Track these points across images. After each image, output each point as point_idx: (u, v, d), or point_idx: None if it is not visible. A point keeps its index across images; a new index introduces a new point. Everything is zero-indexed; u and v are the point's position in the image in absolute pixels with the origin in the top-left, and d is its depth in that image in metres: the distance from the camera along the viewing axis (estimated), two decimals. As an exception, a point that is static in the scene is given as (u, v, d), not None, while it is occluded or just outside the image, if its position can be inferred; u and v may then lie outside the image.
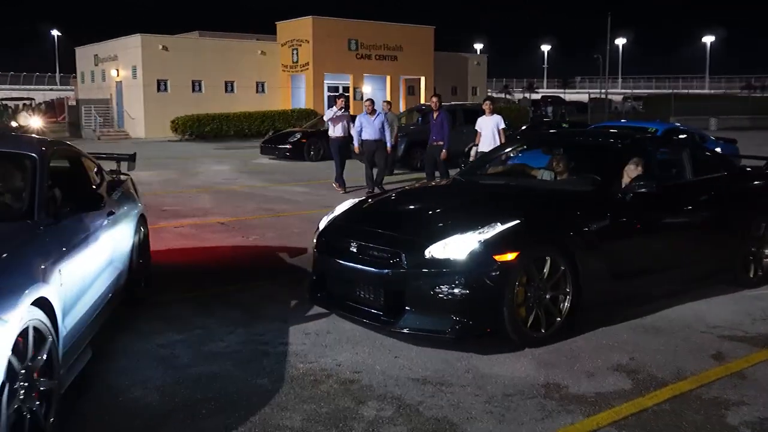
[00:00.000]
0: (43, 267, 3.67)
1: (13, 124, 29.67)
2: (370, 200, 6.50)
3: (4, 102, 32.70)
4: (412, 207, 6.22)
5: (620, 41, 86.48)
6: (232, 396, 4.21)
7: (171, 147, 28.69)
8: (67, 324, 3.94)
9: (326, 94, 39.31)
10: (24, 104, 31.87)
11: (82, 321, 4.29)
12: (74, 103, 37.45)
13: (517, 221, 5.09)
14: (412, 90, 43.42)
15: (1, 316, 3.03)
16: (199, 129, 33.36)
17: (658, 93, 72.70)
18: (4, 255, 3.49)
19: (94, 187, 5.42)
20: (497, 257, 4.85)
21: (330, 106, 38.51)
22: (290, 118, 34.80)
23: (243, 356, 4.89)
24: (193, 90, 37.21)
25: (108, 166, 6.57)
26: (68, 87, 67.50)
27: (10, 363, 3.07)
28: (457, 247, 4.90)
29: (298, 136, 21.15)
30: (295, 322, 5.62)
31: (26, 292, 3.32)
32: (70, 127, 37.26)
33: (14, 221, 4.07)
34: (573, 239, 5.30)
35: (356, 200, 6.53)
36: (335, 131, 13.58)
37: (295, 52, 38.93)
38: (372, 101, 13.54)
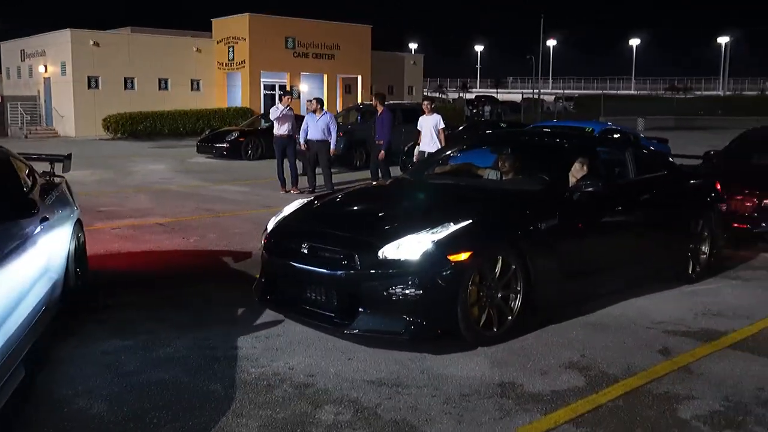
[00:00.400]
0: None
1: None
2: (318, 201, 6.42)
3: None
4: (362, 207, 6.17)
5: (551, 43, 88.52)
6: (184, 403, 4.08)
7: (103, 146, 27.89)
8: None
9: (262, 92, 38.86)
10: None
11: (12, 338, 3.95)
12: (-1, 99, 36.01)
13: (470, 221, 5.09)
14: (349, 89, 43.30)
15: None
16: (133, 127, 32.50)
17: (589, 93, 74.67)
18: None
19: (25, 190, 5.15)
20: (451, 257, 4.85)
21: (270, 105, 38.25)
22: (226, 117, 34.28)
23: (192, 362, 4.76)
24: (126, 87, 36.21)
25: (40, 167, 6.32)
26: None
27: None
28: (410, 247, 4.88)
29: (236, 135, 20.83)
30: (244, 326, 5.51)
31: None
32: (-6, 125, 35.82)
33: None
34: (523, 238, 5.34)
35: (304, 200, 6.45)
36: (280, 129, 13.36)
37: (231, 49, 38.32)
38: (318, 100, 13.39)
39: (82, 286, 6.00)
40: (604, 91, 69.41)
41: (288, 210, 6.14)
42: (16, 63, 40.36)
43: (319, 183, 13.24)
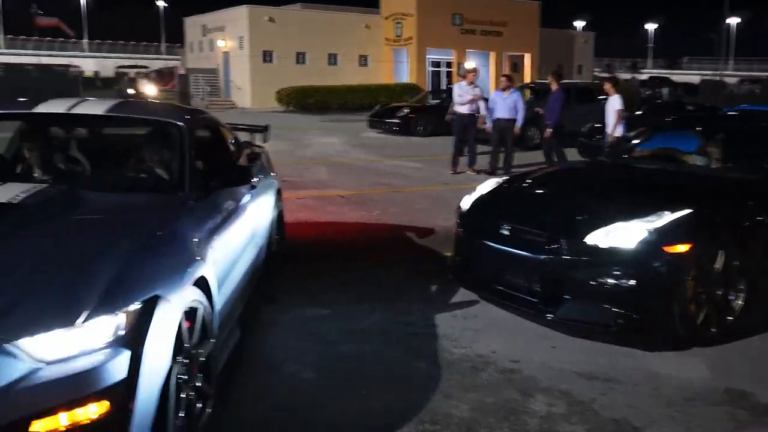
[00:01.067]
0: (199, 244, 3.45)
1: (130, 91, 30.71)
2: (516, 181, 6.22)
3: (121, 69, 33.89)
4: (563, 190, 5.89)
5: (733, 21, 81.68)
6: (390, 378, 4.07)
7: (277, 118, 28.97)
8: (218, 303, 3.74)
9: (429, 69, 38.93)
10: (138, 72, 32.95)
11: (230, 299, 4.09)
12: (183, 72, 38.43)
13: (689, 210, 4.70)
14: (516, 67, 42.46)
15: (166, 297, 2.84)
16: (304, 101, 33.65)
17: (775, 76, 68.63)
18: (162, 232, 3.30)
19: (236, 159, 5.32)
20: (667, 248, 4.50)
21: (436, 82, 38.18)
22: (393, 93, 34.60)
23: (392, 336, 4.76)
24: (298, 62, 37.55)
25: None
26: (174, 56, 69.59)
27: (176, 346, 2.89)
28: (622, 235, 4.58)
29: (406, 111, 20.96)
30: (439, 304, 5.45)
31: (188, 271, 3.15)
32: (179, 96, 38.31)
33: (165, 194, 3.91)
34: (747, 232, 4.89)
35: (500, 180, 6.28)
36: (462, 107, 13.05)
37: (398, 25, 38.65)
38: (508, 77, 13.00)
39: (280, 253, 6.18)
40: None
41: (483, 189, 5.99)
42: (198, 38, 42.93)
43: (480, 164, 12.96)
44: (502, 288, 5.16)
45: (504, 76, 13.12)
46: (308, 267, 6.38)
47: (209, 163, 4.45)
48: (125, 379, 2.54)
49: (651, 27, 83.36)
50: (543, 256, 4.83)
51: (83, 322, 2.52)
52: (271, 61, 36.88)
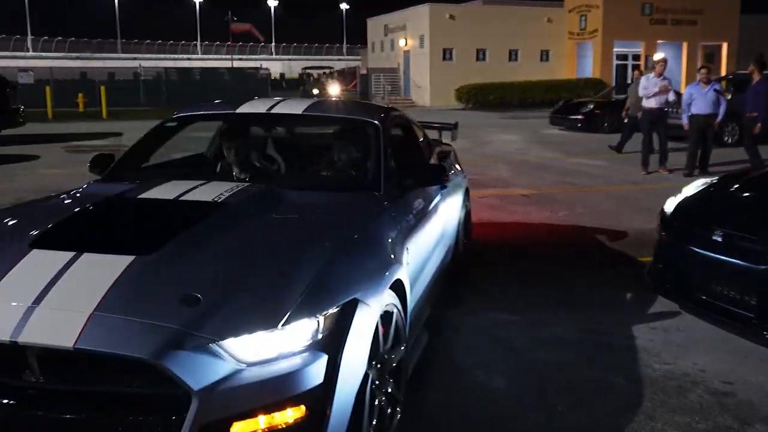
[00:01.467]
0: (395, 246, 3.38)
1: (315, 91, 32.03)
2: (728, 182, 5.65)
3: (306, 71, 35.46)
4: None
5: None
6: (585, 393, 3.80)
7: (457, 115, 29.00)
8: (410, 306, 3.64)
9: (614, 62, 37.20)
10: (324, 72, 34.28)
11: (420, 302, 4.00)
12: (365, 71, 39.49)
13: None
14: (711, 57, 39.48)
15: (365, 301, 2.75)
16: (483, 98, 33.38)
17: None
18: (361, 233, 3.25)
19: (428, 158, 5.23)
20: None
21: (622, 76, 36.44)
22: (576, 88, 33.43)
23: (584, 346, 4.47)
24: (477, 59, 37.32)
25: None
26: (354, 57, 71.89)
27: (371, 351, 2.80)
28: None
29: (591, 107, 20.09)
30: (636, 313, 5.08)
31: (386, 274, 3.06)
32: (360, 95, 39.45)
33: (360, 193, 3.86)
34: None
35: (708, 180, 5.74)
36: (650, 102, 12.29)
37: (583, 18, 37.24)
38: (707, 69, 12.06)
39: (465, 254, 6.05)
40: None
41: (690, 190, 5.49)
42: (380, 37, 43.88)
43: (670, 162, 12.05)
44: (710, 299, 4.68)
45: (703, 67, 12.13)
46: (493, 269, 6.21)
47: (402, 162, 4.38)
48: (322, 383, 2.49)
49: None
50: (762, 267, 4.32)
51: (284, 325, 2.47)
52: (451, 59, 36.93)
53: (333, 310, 2.61)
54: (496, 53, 37.45)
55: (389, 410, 3.11)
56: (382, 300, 2.95)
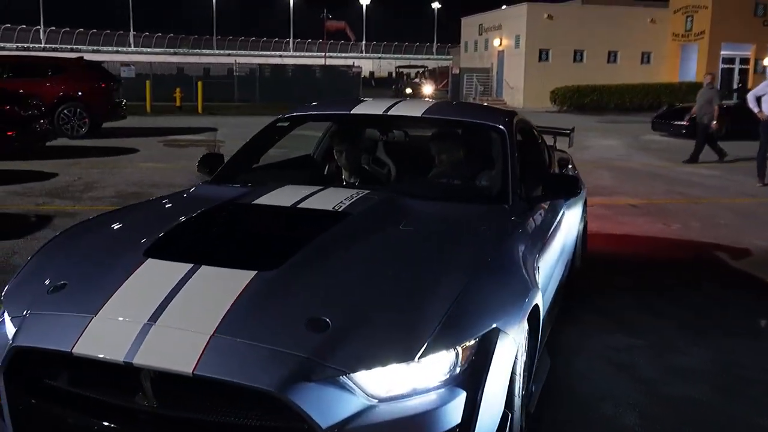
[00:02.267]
0: (529, 266, 3.04)
1: (408, 90, 31.80)
2: None
3: (401, 69, 35.26)
4: None
5: None
6: (730, 436, 3.39)
7: (552, 118, 28.22)
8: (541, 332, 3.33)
9: (720, 66, 35.47)
10: (418, 72, 33.96)
11: (544, 323, 3.53)
12: (457, 71, 39.03)
13: None
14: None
15: (505, 330, 2.44)
16: (579, 100, 32.45)
17: None
18: (497, 252, 2.93)
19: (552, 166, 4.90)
20: None
21: (727, 79, 34.78)
22: (678, 92, 32.03)
23: (720, 379, 4.03)
24: (574, 60, 36.34)
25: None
26: (443, 56, 71.49)
27: (509, 388, 2.51)
28: None
29: (698, 113, 19.08)
30: (774, 344, 4.59)
31: (526, 300, 2.72)
32: (450, 95, 39.03)
33: (488, 205, 3.57)
34: None
35: None
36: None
37: (689, 19, 35.67)
38: None
39: (580, 268, 5.66)
40: None
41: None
42: (474, 37, 43.40)
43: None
44: None
45: None
46: (609, 285, 5.78)
47: (528, 171, 3.98)
48: (459, 425, 2.20)
49: None
50: None
51: (420, 357, 2.18)
52: (547, 60, 36.09)
53: (472, 342, 2.31)
54: (595, 54, 36.37)
55: None
56: (523, 328, 2.63)
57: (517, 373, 2.62)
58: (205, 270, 2.51)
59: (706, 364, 4.24)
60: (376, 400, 2.14)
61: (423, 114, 4.30)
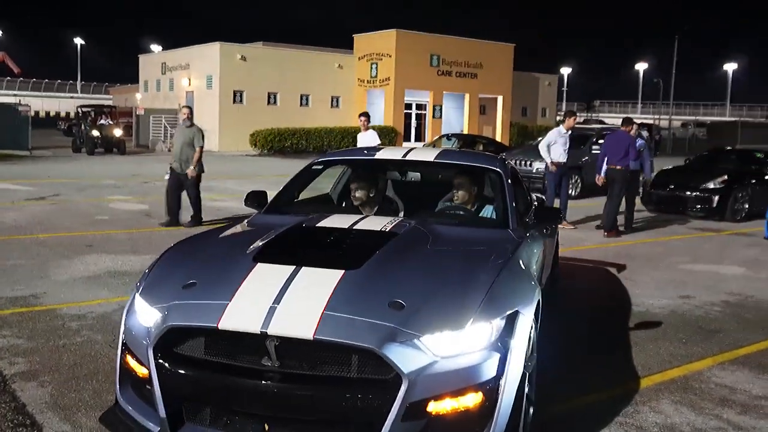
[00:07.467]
0: (532, 272, 4.19)
1: (94, 133, 28.09)
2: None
3: (83, 109, 31.10)
4: None
5: (641, 66, 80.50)
6: None
7: (256, 162, 27.11)
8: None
9: (404, 110, 37.73)
10: (102, 112, 30.14)
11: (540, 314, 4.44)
12: (142, 111, 35.85)
13: None
14: (483, 110, 41.58)
15: (524, 312, 3.31)
16: (280, 143, 31.88)
17: (720, 120, 69.69)
18: (513, 258, 3.86)
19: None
20: None
21: (410, 123, 36.97)
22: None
23: None
24: (269, 102, 35.78)
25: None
26: (98, 95, 67.42)
27: (526, 354, 3.27)
28: None
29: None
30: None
31: (534, 294, 3.61)
32: (135, 138, 35.72)
33: (495, 229, 4.54)
34: None
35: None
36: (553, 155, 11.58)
37: (374, 66, 37.36)
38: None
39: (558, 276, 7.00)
40: (742, 118, 65.45)
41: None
42: (156, 76, 40.65)
43: None
44: None
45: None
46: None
47: (519, 203, 4.93)
48: (495, 377, 3.05)
49: (565, 72, 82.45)
50: None
51: (468, 326, 3.08)
52: (242, 102, 34.99)
53: (502, 319, 3.20)
54: (288, 97, 36.25)
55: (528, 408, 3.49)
56: (533, 313, 3.46)
57: (531, 343, 3.45)
58: (305, 270, 3.39)
59: None
60: (439, 357, 3.00)
61: (435, 159, 5.37)
